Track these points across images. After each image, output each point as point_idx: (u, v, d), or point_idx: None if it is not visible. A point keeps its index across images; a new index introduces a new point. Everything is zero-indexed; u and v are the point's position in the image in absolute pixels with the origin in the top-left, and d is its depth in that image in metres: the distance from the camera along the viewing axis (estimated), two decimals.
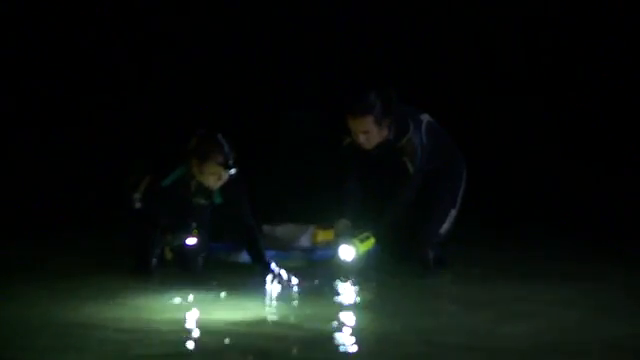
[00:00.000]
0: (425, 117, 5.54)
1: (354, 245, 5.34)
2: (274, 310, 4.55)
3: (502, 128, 9.72)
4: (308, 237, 5.81)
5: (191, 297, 4.72)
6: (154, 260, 5.28)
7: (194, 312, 4.37)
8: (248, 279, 5.21)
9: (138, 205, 5.18)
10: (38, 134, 9.44)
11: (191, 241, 5.19)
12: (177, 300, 4.65)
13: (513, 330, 3.98)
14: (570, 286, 5.03)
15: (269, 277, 5.17)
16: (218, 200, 5.33)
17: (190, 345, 3.73)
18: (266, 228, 5.88)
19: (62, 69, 9.71)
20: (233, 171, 5.13)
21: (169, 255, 5.26)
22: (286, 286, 5.10)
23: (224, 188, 5.24)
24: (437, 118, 5.62)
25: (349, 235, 5.39)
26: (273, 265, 5.22)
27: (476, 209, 6.04)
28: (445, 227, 5.51)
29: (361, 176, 5.53)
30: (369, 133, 5.35)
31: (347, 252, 5.35)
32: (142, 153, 5.48)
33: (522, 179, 9.23)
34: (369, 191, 5.53)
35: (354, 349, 3.67)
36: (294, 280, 5.15)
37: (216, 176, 5.13)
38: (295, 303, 4.70)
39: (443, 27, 9.95)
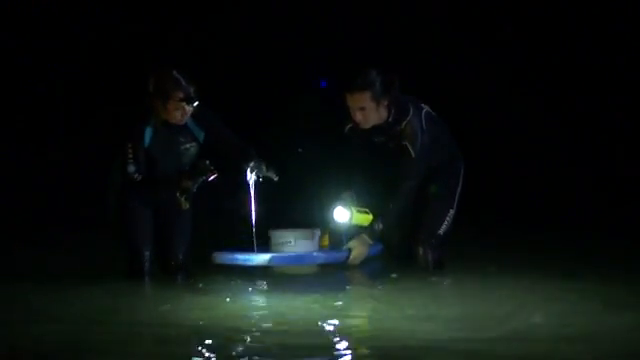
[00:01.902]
0: (426, 107, 5.56)
1: (350, 210, 5.44)
2: (275, 312, 4.52)
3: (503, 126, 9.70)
4: (315, 241, 5.71)
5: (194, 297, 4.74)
6: (147, 264, 5.29)
7: (194, 313, 4.37)
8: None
9: (138, 177, 5.13)
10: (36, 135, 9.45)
11: (212, 176, 5.15)
12: (176, 301, 4.66)
13: (510, 331, 3.98)
14: (574, 286, 5.00)
15: (251, 164, 5.27)
16: (201, 136, 5.36)
17: (191, 350, 3.72)
18: (272, 233, 5.79)
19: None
20: (196, 103, 5.16)
21: (186, 205, 5.23)
22: (263, 176, 5.28)
23: (198, 121, 5.29)
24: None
25: (349, 203, 5.50)
26: (260, 160, 5.32)
27: (475, 209, 6.04)
28: (444, 228, 5.52)
29: (364, 161, 5.55)
30: (366, 110, 5.36)
31: (341, 214, 5.46)
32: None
33: (520, 179, 9.23)
34: (373, 177, 5.55)
35: (351, 350, 3.67)
36: (274, 176, 5.32)
37: (180, 111, 5.16)
38: (291, 303, 4.68)
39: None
